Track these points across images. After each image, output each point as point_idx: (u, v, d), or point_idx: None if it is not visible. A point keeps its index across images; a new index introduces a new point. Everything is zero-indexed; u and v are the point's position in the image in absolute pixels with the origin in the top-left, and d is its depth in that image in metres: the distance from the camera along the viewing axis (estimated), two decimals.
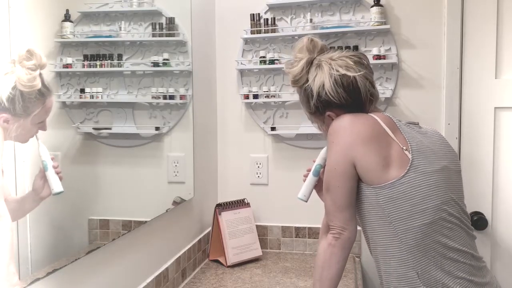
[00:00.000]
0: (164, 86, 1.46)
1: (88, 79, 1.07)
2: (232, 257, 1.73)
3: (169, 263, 1.46)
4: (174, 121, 1.52)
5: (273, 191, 1.96)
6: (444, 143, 1.15)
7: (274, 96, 1.88)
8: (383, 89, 1.78)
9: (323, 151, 1.24)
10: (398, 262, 1.05)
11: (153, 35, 1.40)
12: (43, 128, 0.88)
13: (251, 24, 1.88)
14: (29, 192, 0.87)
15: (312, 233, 1.90)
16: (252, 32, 1.88)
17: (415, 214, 1.02)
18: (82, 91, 1.04)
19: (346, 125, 1.08)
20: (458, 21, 1.74)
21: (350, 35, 1.84)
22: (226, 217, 1.78)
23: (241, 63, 1.93)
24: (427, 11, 1.78)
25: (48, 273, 0.90)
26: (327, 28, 1.83)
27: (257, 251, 1.82)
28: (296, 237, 1.93)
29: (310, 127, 1.78)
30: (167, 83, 1.48)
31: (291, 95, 1.87)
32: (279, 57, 1.88)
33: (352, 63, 1.12)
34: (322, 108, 1.16)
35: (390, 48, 1.80)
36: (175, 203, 1.55)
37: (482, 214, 1.75)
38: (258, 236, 1.87)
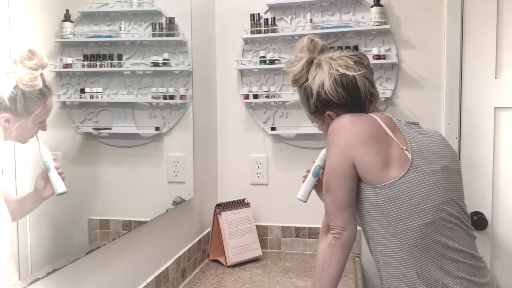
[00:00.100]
0: (164, 86, 1.46)
1: (88, 79, 1.07)
2: (232, 257, 1.73)
3: (169, 263, 1.46)
4: (174, 121, 1.52)
5: (273, 191, 1.96)
6: (444, 143, 1.15)
7: (274, 96, 1.88)
8: (383, 89, 1.78)
9: (322, 152, 1.24)
10: (397, 262, 1.05)
11: (153, 35, 1.40)
12: (44, 128, 0.88)
13: (251, 24, 1.88)
14: (30, 192, 0.87)
15: (312, 233, 1.90)
16: (252, 32, 1.88)
17: (414, 214, 1.02)
18: (82, 91, 1.04)
19: (346, 125, 1.08)
20: (458, 21, 1.74)
21: (350, 35, 1.84)
22: (226, 217, 1.78)
23: (241, 63, 1.93)
24: (427, 11, 1.78)
25: (48, 273, 0.90)
26: (327, 28, 1.83)
27: (257, 251, 1.82)
28: (296, 237, 1.93)
29: (310, 127, 1.78)
30: (167, 83, 1.48)
31: (291, 95, 1.87)
32: (279, 57, 1.88)
33: (352, 63, 1.12)
34: (322, 107, 1.16)
35: (390, 48, 1.80)
36: (175, 203, 1.55)
37: (482, 214, 1.76)
38: (258, 236, 1.87)
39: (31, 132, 0.85)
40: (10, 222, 0.78)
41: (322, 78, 1.13)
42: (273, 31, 1.87)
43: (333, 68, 1.12)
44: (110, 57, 1.16)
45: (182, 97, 1.58)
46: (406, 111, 1.82)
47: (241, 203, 1.86)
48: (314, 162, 1.26)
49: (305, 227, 1.91)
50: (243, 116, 1.97)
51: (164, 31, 1.46)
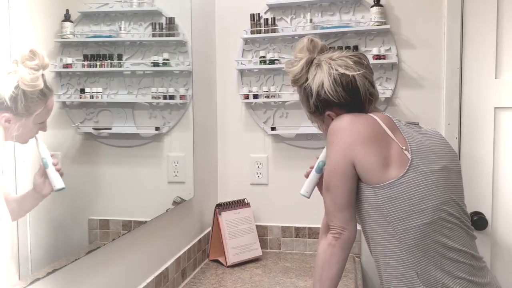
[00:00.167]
0: (164, 86, 1.46)
1: (88, 79, 1.07)
2: (232, 257, 1.73)
3: (169, 263, 1.46)
4: (174, 121, 1.52)
5: (273, 191, 1.96)
6: (444, 143, 1.15)
7: (274, 96, 1.88)
8: (383, 89, 1.78)
9: (326, 149, 1.24)
10: (397, 262, 1.05)
11: (153, 35, 1.40)
12: (44, 128, 0.88)
13: (251, 24, 1.88)
14: (30, 190, 0.87)
15: (312, 233, 1.90)
16: (252, 32, 1.88)
17: (414, 214, 1.02)
18: (82, 91, 1.04)
19: (346, 125, 1.08)
20: (458, 21, 1.74)
21: (350, 35, 1.84)
22: (226, 217, 1.78)
23: (241, 63, 1.93)
24: (427, 11, 1.78)
25: (48, 273, 0.90)
26: (327, 28, 1.83)
27: (257, 251, 1.82)
28: (296, 237, 1.93)
29: (310, 127, 1.78)
30: (167, 83, 1.48)
31: (291, 95, 1.87)
32: (279, 57, 1.88)
33: (351, 63, 1.13)
34: (322, 107, 1.16)
35: (390, 48, 1.80)
36: (175, 203, 1.55)
37: (482, 214, 1.76)
38: (258, 236, 1.87)
39: (31, 132, 0.85)
40: (10, 222, 0.78)
41: (321, 78, 1.13)
42: (273, 31, 1.87)
43: (332, 68, 1.13)
44: (110, 57, 1.16)
45: (182, 97, 1.58)
46: (406, 111, 1.82)
47: (241, 203, 1.86)
48: (317, 158, 1.26)
49: (305, 227, 1.91)
50: (243, 116, 1.97)
51: (164, 31, 1.46)
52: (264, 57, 1.88)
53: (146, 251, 1.34)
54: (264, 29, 1.87)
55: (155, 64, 1.41)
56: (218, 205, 1.79)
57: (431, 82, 1.79)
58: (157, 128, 1.42)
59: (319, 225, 1.23)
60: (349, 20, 1.84)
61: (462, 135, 1.77)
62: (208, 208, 1.88)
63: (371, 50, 1.78)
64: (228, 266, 1.73)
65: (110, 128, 1.15)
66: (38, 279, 0.87)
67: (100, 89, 1.10)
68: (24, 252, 0.84)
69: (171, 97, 1.50)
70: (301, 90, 1.21)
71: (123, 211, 1.21)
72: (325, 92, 1.13)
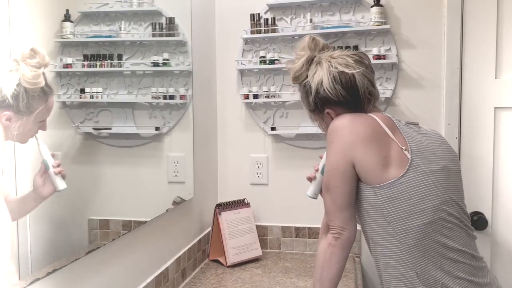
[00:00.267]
0: (164, 86, 1.46)
1: (88, 79, 1.07)
2: (232, 257, 1.73)
3: (169, 263, 1.46)
4: (174, 121, 1.52)
5: (273, 191, 1.96)
6: (443, 143, 1.15)
7: (274, 96, 1.88)
8: (383, 89, 1.78)
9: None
10: (397, 262, 1.05)
11: (153, 35, 1.40)
12: (43, 127, 0.88)
13: (251, 24, 1.88)
14: (30, 191, 0.87)
15: (312, 233, 1.90)
16: (252, 32, 1.88)
17: (414, 214, 1.02)
18: (82, 91, 1.04)
19: (346, 125, 1.08)
20: (458, 21, 1.75)
21: (350, 35, 1.84)
22: (226, 217, 1.78)
23: (241, 63, 1.93)
24: (427, 11, 1.78)
25: (48, 273, 0.90)
26: (327, 28, 1.83)
27: (257, 251, 1.82)
28: (296, 237, 1.93)
29: (310, 127, 1.79)
30: (167, 83, 1.48)
31: (291, 95, 1.87)
32: (279, 57, 1.88)
33: (352, 62, 1.13)
34: (321, 105, 1.16)
35: (390, 48, 1.80)
36: (175, 203, 1.55)
37: (482, 214, 1.75)
38: (258, 236, 1.87)
39: (31, 131, 0.85)
40: (10, 222, 0.78)
41: (321, 76, 1.14)
42: (273, 31, 1.87)
43: (332, 66, 1.13)
44: (110, 57, 1.16)
45: (182, 97, 1.58)
46: (406, 111, 1.82)
47: (241, 203, 1.86)
48: (321, 158, 1.25)
49: (305, 227, 1.91)
50: (243, 116, 1.97)
51: (164, 31, 1.46)
52: (264, 57, 1.88)
53: (146, 251, 1.34)
54: (264, 29, 1.87)
55: (155, 64, 1.41)
56: (218, 205, 1.79)
57: (431, 82, 1.79)
58: (157, 128, 1.42)
59: (319, 225, 1.23)
60: (349, 20, 1.84)
61: (462, 135, 1.77)
62: (208, 208, 1.88)
63: (371, 50, 1.78)
64: (228, 266, 1.73)
65: (110, 128, 1.15)
66: (38, 279, 0.87)
67: (100, 89, 1.10)
68: (24, 252, 0.84)
69: (171, 97, 1.50)
70: (301, 87, 1.21)
71: (123, 211, 1.21)
72: (324, 89, 1.13)
